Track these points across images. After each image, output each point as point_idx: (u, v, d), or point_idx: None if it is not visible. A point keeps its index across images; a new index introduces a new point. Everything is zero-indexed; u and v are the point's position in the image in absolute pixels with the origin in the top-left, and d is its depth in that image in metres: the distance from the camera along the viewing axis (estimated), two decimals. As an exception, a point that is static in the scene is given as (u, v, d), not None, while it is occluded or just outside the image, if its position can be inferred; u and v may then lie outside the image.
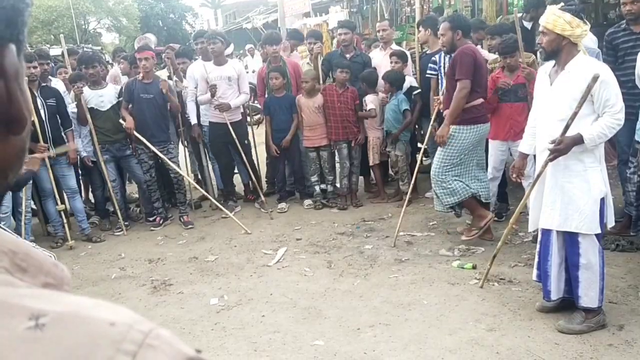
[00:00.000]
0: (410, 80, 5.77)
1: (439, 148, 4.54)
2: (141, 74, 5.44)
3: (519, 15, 5.67)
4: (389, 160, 5.94)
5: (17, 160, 0.56)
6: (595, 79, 2.91)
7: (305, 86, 5.73)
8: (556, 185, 3.19)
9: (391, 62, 5.69)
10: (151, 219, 5.79)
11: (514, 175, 3.67)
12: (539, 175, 3.28)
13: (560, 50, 3.09)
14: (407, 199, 4.97)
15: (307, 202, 5.99)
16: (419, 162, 5.24)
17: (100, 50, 26.31)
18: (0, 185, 0.55)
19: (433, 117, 5.01)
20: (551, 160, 3.14)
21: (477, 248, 4.53)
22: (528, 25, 5.66)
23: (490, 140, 4.83)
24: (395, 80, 5.55)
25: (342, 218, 5.53)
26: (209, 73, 5.66)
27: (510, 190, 5.37)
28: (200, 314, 3.75)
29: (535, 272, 3.48)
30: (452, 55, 4.48)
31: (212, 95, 5.60)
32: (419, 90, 5.67)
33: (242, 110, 6.10)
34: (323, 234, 5.13)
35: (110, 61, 11.57)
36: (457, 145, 4.46)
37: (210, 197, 5.83)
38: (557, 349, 3.06)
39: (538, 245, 3.42)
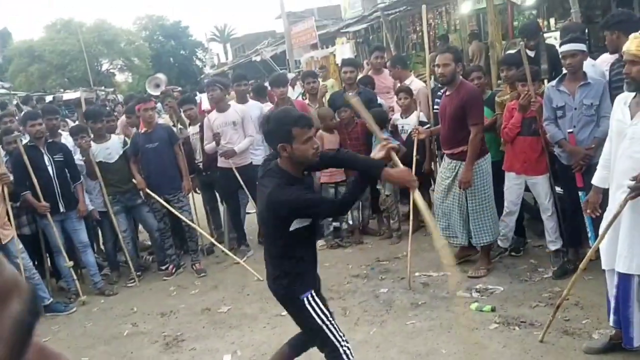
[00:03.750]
0: (418, 115, 5.72)
1: (470, 189, 4.58)
2: (142, 126, 5.48)
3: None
4: (379, 197, 5.85)
5: None
6: None
7: (327, 124, 5.70)
8: (634, 227, 2.97)
9: (399, 99, 5.65)
10: (164, 267, 5.74)
11: (589, 211, 3.45)
12: (616, 216, 3.03)
13: None
14: (410, 238, 4.84)
15: (320, 242, 5.89)
16: (412, 199, 5.10)
17: (113, 92, 26.81)
18: None
19: (415, 150, 5.03)
20: (632, 198, 2.90)
21: (496, 288, 4.39)
22: (531, 54, 5.58)
23: (506, 173, 4.74)
24: (383, 119, 5.53)
25: (356, 258, 5.42)
26: (214, 121, 5.67)
27: (527, 224, 5.25)
28: (213, 373, 3.66)
29: (612, 317, 3.23)
30: (447, 90, 4.58)
31: (217, 144, 5.61)
32: (429, 125, 5.61)
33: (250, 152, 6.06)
34: (337, 278, 5.03)
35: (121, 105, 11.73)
36: (484, 177, 4.61)
37: (219, 245, 5.76)
38: (584, 401, 2.92)
39: (615, 290, 3.18)
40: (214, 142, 5.67)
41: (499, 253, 5.00)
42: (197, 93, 16.74)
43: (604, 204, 3.26)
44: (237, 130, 5.74)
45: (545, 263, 4.72)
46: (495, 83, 7.30)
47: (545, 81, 4.83)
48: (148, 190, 5.44)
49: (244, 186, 5.68)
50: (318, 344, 2.84)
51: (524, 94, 4.45)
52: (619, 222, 3.04)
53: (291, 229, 2.59)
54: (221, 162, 5.81)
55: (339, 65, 10.85)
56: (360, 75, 6.75)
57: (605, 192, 3.26)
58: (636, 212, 2.97)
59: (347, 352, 2.76)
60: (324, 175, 5.82)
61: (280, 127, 2.57)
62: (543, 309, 3.91)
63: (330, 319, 2.77)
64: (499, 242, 4.95)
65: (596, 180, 3.34)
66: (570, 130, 4.13)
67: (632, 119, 2.98)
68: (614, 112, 3.15)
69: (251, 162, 5.95)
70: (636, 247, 2.98)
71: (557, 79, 4.30)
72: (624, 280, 3.09)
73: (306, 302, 2.71)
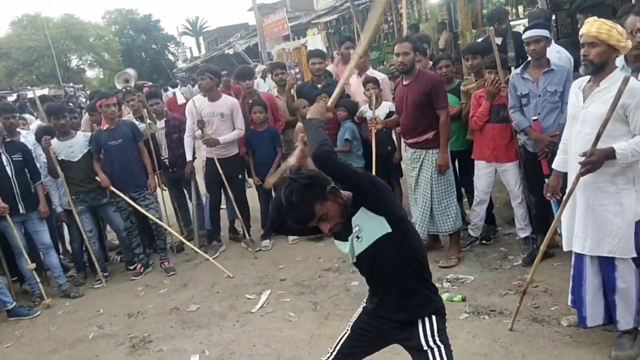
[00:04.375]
0: (388, 105, 5.67)
1: (436, 177, 4.58)
2: (104, 123, 5.33)
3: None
4: None
5: None
6: (625, 81, 2.71)
7: (301, 113, 5.58)
8: (587, 207, 3.00)
9: (367, 89, 5.58)
10: (132, 267, 5.62)
11: (549, 194, 3.48)
12: (569, 194, 3.06)
13: (606, 63, 2.88)
14: None
15: (292, 237, 5.83)
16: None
17: (82, 88, 26.29)
18: None
19: (373, 143, 4.99)
20: (582, 174, 2.92)
21: (467, 277, 4.38)
22: (498, 41, 5.57)
23: (476, 162, 4.73)
24: (352, 110, 5.62)
25: (328, 252, 5.35)
26: (203, 109, 5.58)
27: (496, 211, 5.25)
28: (180, 374, 3.57)
29: (570, 297, 3.30)
30: (404, 79, 4.60)
31: (201, 130, 5.50)
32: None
33: (236, 145, 5.93)
34: (308, 272, 4.97)
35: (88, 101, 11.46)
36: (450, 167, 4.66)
37: (188, 243, 5.64)
38: (552, 389, 2.91)
39: (572, 270, 3.24)
40: (198, 130, 5.56)
41: (470, 242, 4.99)
42: (169, 88, 16.52)
43: (564, 188, 3.27)
44: (224, 121, 5.63)
45: (515, 251, 4.72)
46: (467, 72, 7.30)
47: (512, 69, 4.82)
48: (113, 189, 5.31)
49: (224, 179, 5.58)
50: None
51: (492, 81, 4.43)
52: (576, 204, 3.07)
53: None
54: (207, 153, 5.70)
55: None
56: (330, 66, 6.68)
57: (565, 176, 3.28)
58: (589, 193, 3.00)
59: None
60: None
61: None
62: (513, 297, 3.89)
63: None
64: (470, 231, 4.94)
65: (556, 164, 3.38)
66: (535, 117, 4.12)
67: (584, 102, 3.00)
68: (569, 96, 3.17)
69: (236, 154, 5.81)
70: (589, 227, 3.01)
71: (521, 66, 4.28)
72: (579, 259, 3.14)
73: None
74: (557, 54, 4.42)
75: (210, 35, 47.97)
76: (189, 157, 5.83)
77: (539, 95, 4.09)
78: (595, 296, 3.09)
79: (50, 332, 4.55)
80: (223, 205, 6.16)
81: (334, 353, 2.48)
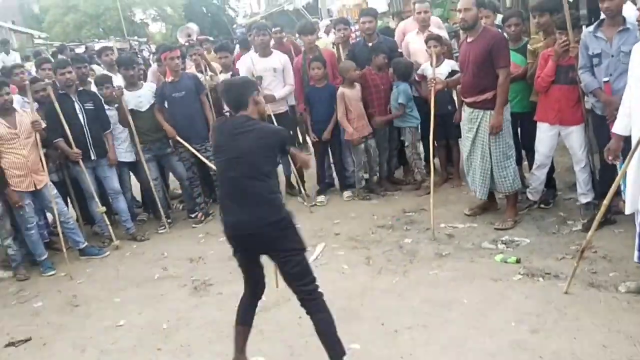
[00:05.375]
0: (451, 64, 5.56)
1: (494, 138, 4.51)
2: (168, 75, 5.48)
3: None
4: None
5: None
6: None
7: (350, 76, 5.61)
8: None
9: (428, 47, 5.48)
10: (193, 215, 5.87)
11: (610, 158, 3.44)
12: (631, 155, 3.01)
13: None
14: (432, 188, 4.80)
15: (347, 193, 5.91)
16: (431, 146, 5.02)
17: (146, 42, 26.86)
18: None
19: (432, 102, 4.87)
20: None
21: (522, 240, 4.35)
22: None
23: (538, 124, 4.61)
24: (401, 72, 5.55)
25: (382, 210, 5.42)
26: (255, 65, 5.67)
27: (557, 175, 5.13)
28: (238, 316, 3.76)
29: (636, 253, 3.31)
30: (468, 37, 4.49)
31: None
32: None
33: (287, 101, 6.05)
34: (362, 228, 5.05)
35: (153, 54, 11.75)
36: (507, 124, 4.54)
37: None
38: (604, 352, 2.91)
39: (637, 227, 3.24)
40: None
41: (528, 206, 4.92)
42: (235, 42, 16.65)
43: (626, 153, 3.18)
44: (276, 77, 5.78)
45: (575, 216, 4.63)
46: (534, 31, 7.01)
47: (584, 27, 4.61)
48: (178, 138, 5.48)
49: None
50: (305, 278, 2.94)
51: (560, 41, 4.27)
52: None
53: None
54: None
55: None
56: (392, 23, 6.59)
57: (627, 140, 3.18)
58: None
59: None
60: (355, 132, 5.72)
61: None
62: (569, 262, 3.84)
63: None
64: (529, 195, 4.87)
65: (617, 127, 3.29)
66: (606, 79, 3.96)
67: None
68: (632, 56, 3.04)
69: (287, 111, 5.94)
70: None
71: (594, 24, 4.09)
72: None
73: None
74: (634, 11, 4.18)
75: (270, -9, 47.60)
76: None
77: (612, 56, 3.92)
78: None
79: (118, 271, 4.87)
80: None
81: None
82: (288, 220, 2.90)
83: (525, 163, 5.20)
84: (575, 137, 4.46)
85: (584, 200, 4.57)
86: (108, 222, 5.42)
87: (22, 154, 4.74)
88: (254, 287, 3.18)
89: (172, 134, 5.49)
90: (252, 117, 2.96)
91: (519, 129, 5.00)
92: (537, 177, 4.73)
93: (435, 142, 5.80)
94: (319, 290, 2.94)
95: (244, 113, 2.94)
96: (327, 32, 11.88)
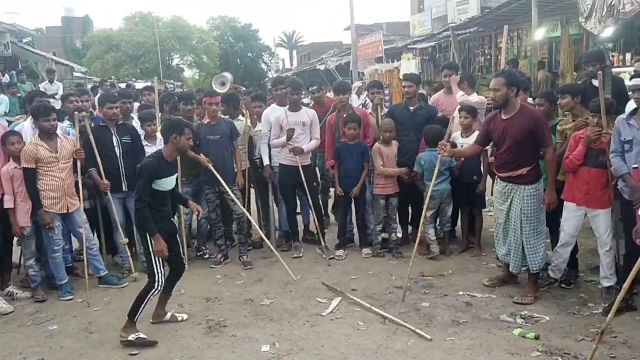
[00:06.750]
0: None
1: (526, 213, 4.57)
2: (206, 117, 5.69)
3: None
4: None
5: None
6: None
7: (386, 136, 5.80)
8: None
9: (460, 117, 5.63)
10: (199, 254, 6.09)
11: (638, 240, 3.49)
12: None
13: None
14: (417, 242, 5.06)
15: (366, 250, 5.95)
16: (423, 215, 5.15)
17: (180, 86, 27.78)
18: None
19: (436, 169, 4.97)
20: None
21: (542, 317, 4.30)
22: (596, 83, 5.46)
23: (565, 203, 4.64)
24: (430, 138, 5.62)
25: (400, 270, 5.41)
26: (284, 118, 5.91)
27: (580, 256, 5.12)
28: (250, 360, 3.76)
29: None
30: (502, 114, 4.58)
31: (289, 139, 5.78)
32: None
33: (310, 154, 6.24)
34: (379, 286, 5.05)
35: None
36: (540, 201, 4.61)
37: (268, 242, 5.84)
38: None
39: None
40: (282, 137, 5.87)
41: (549, 283, 4.89)
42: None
43: None
44: (304, 131, 5.98)
45: (596, 299, 4.59)
46: (562, 113, 7.17)
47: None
48: (211, 167, 5.47)
49: (305, 183, 5.86)
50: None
51: (594, 128, 4.36)
52: None
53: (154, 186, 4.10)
54: (284, 159, 6.00)
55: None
56: (434, 95, 6.83)
57: None
58: None
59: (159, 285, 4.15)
60: (376, 187, 5.89)
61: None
62: (589, 344, 3.78)
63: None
64: (550, 273, 4.85)
65: None
66: (636, 165, 4.03)
67: None
68: None
69: (310, 164, 6.11)
70: None
71: (629, 112, 4.21)
72: None
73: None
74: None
75: (303, 50, 49.29)
76: (265, 162, 6.18)
77: None
78: None
79: (134, 303, 4.88)
80: (298, 210, 6.41)
81: None
82: None
83: (548, 241, 5.20)
84: (602, 220, 4.48)
85: (606, 283, 4.53)
86: (129, 254, 5.50)
87: (59, 177, 4.90)
88: None
89: (206, 163, 5.53)
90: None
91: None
92: (560, 254, 4.73)
93: (459, 211, 5.89)
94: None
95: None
96: (358, 94, 12.25)
